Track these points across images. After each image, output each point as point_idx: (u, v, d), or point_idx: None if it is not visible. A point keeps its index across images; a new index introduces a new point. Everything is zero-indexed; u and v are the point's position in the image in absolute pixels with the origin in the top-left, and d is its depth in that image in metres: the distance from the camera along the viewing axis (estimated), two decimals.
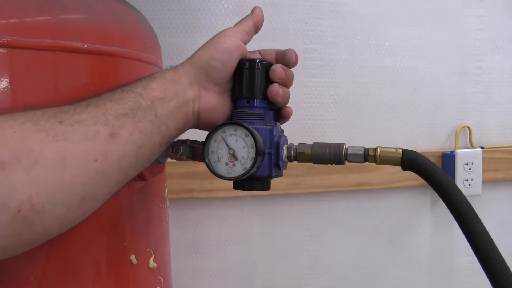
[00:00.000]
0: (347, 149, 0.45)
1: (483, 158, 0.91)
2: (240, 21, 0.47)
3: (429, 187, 0.42)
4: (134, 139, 0.35)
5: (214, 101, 0.44)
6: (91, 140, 0.32)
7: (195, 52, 0.44)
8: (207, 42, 0.44)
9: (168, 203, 0.56)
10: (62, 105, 0.34)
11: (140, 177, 0.44)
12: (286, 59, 0.47)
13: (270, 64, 0.46)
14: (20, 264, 0.35)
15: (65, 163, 0.30)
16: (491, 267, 0.39)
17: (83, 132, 0.32)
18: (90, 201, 0.32)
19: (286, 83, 0.47)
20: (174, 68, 0.42)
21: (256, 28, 0.48)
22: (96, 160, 0.32)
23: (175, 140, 0.46)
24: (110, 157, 0.33)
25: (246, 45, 0.47)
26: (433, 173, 0.42)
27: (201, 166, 0.43)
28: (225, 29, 0.45)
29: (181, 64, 0.43)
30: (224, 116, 0.46)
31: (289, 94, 0.49)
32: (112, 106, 0.35)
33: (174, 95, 0.40)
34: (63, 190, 0.30)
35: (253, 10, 0.48)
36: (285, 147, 0.45)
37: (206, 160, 0.42)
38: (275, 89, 0.45)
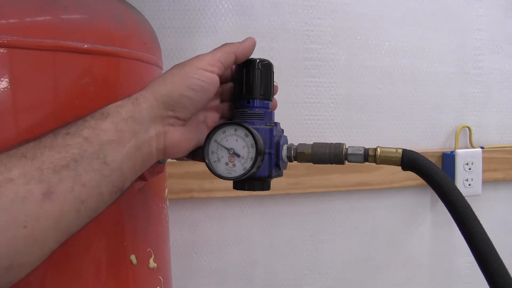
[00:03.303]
0: (347, 149, 0.45)
1: (483, 158, 0.91)
2: (221, 48, 0.41)
3: (429, 187, 0.42)
4: (76, 195, 0.31)
5: (181, 135, 0.40)
6: (20, 204, 0.28)
7: (163, 81, 0.38)
8: (178, 70, 0.39)
9: (168, 203, 0.56)
10: (61, 106, 0.33)
11: (140, 177, 0.44)
12: None
13: (270, 64, 0.46)
14: None
15: None
16: (489, 268, 0.39)
17: (10, 196, 0.28)
18: (18, 268, 0.29)
19: None
20: (134, 100, 0.36)
21: (236, 61, 0.43)
22: (26, 226, 0.28)
23: None
24: (44, 221, 0.29)
25: None
26: (433, 174, 0.42)
27: (201, 166, 0.43)
28: (199, 58, 0.39)
29: (143, 94, 0.37)
30: (192, 144, 0.42)
31: None
32: (51, 156, 0.30)
33: (131, 135, 0.35)
34: None
35: (245, 41, 0.43)
36: (285, 147, 0.45)
37: (206, 160, 0.42)
38: (275, 103, 0.47)
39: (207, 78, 0.39)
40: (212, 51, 0.41)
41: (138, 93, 0.38)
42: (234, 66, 0.46)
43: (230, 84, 0.47)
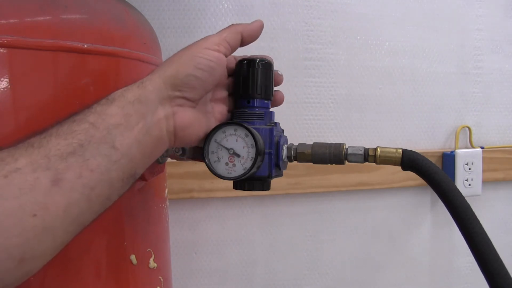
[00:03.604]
0: (347, 149, 0.45)
1: (483, 158, 0.91)
2: (227, 28, 0.41)
3: (429, 187, 0.42)
4: (85, 182, 0.30)
5: (190, 117, 0.39)
6: (28, 193, 0.27)
7: (169, 63, 0.38)
8: (184, 51, 0.38)
9: (168, 203, 0.56)
10: (61, 106, 0.33)
11: (140, 177, 0.44)
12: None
13: (270, 64, 0.46)
14: None
15: None
16: (489, 268, 0.39)
17: (18, 184, 0.27)
18: (31, 261, 0.28)
19: None
20: (140, 83, 0.36)
21: (243, 43, 0.42)
22: (35, 215, 0.27)
23: None
24: (53, 209, 0.28)
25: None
26: (432, 174, 0.42)
27: (201, 166, 0.43)
28: (206, 38, 0.39)
29: (149, 78, 0.37)
30: (203, 130, 0.41)
31: None
32: (58, 143, 0.30)
33: (139, 118, 0.34)
34: None
35: (253, 22, 0.42)
36: (285, 147, 0.45)
37: (206, 160, 0.42)
38: (282, 95, 0.47)
39: (213, 57, 0.38)
40: (219, 31, 0.41)
41: (145, 77, 0.37)
42: (235, 64, 0.45)
43: None
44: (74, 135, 0.31)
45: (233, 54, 0.46)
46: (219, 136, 0.42)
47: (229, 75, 0.45)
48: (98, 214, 0.33)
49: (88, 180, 0.30)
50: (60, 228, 0.29)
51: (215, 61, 0.38)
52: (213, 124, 0.42)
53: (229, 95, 0.46)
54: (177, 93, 0.37)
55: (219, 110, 0.44)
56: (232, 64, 0.45)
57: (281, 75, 0.47)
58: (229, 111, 0.46)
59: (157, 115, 0.36)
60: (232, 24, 0.42)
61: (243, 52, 0.46)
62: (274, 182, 0.46)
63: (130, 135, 0.33)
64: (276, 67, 0.47)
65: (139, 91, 0.35)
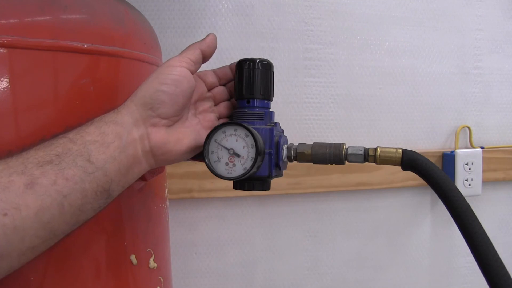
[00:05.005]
0: (347, 149, 0.45)
1: (483, 158, 0.91)
2: (186, 48, 0.44)
3: (429, 187, 0.43)
4: (58, 188, 0.31)
5: (165, 135, 0.40)
6: (1, 193, 0.29)
7: (138, 89, 0.40)
8: (150, 76, 0.41)
9: (168, 203, 0.56)
10: (61, 106, 0.33)
11: (140, 177, 0.44)
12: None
13: (270, 64, 0.46)
14: None
15: None
16: (488, 268, 0.39)
17: None
18: None
19: None
20: (116, 110, 0.39)
21: (205, 57, 0.44)
22: (6, 214, 0.28)
23: None
24: (24, 210, 0.29)
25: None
26: (432, 174, 0.42)
27: (201, 166, 0.43)
28: (168, 60, 0.42)
29: (124, 104, 0.39)
30: (184, 146, 0.42)
31: None
32: (36, 153, 0.32)
33: (115, 137, 0.36)
34: None
35: (206, 37, 0.45)
36: (285, 147, 0.45)
37: (206, 160, 0.42)
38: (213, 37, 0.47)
39: (176, 71, 0.40)
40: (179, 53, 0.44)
41: (121, 106, 0.40)
42: (234, 66, 0.47)
43: (221, 87, 0.48)
44: (52, 148, 0.33)
45: (213, 69, 0.49)
46: (219, 136, 0.42)
47: (209, 89, 0.48)
48: (70, 226, 0.34)
49: (62, 187, 0.32)
50: (30, 231, 0.30)
51: (179, 74, 0.40)
52: (204, 134, 0.43)
53: (215, 104, 0.48)
54: (149, 112, 0.39)
55: (208, 119, 0.46)
56: (211, 78, 0.48)
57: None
58: (220, 118, 0.48)
59: (132, 135, 0.38)
60: (190, 44, 0.44)
61: (244, 53, 0.46)
62: (274, 182, 0.46)
63: (106, 151, 0.35)
64: (276, 67, 0.47)
65: (115, 115, 0.38)
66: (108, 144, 0.36)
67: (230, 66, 0.48)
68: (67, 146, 0.33)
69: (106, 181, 0.35)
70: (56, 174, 0.31)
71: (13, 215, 0.29)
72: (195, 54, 0.43)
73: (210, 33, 0.46)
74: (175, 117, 0.41)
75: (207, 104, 0.47)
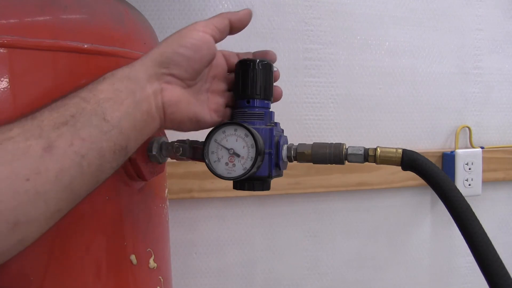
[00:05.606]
0: (347, 149, 0.45)
1: (483, 158, 0.91)
2: (215, 15, 0.43)
3: (429, 187, 0.42)
4: (76, 149, 0.31)
5: (179, 94, 0.40)
6: (21, 158, 0.29)
7: (158, 46, 0.40)
8: (173, 34, 0.40)
9: (168, 203, 0.56)
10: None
11: (140, 177, 0.44)
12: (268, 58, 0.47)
13: (270, 64, 0.46)
14: (20, 264, 0.35)
15: None
16: (488, 268, 0.39)
17: (11, 151, 0.29)
18: (26, 225, 0.29)
19: None
20: (130, 64, 0.38)
21: (232, 28, 0.43)
22: (28, 179, 0.29)
23: (176, 141, 0.47)
24: (45, 174, 0.30)
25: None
26: (432, 174, 0.42)
27: (201, 166, 0.43)
28: (195, 22, 0.41)
29: (139, 59, 0.39)
30: (191, 111, 0.42)
31: None
32: (50, 115, 0.31)
33: (128, 93, 0.36)
34: None
35: (241, 10, 0.44)
36: (285, 147, 0.45)
37: (206, 160, 0.42)
38: (280, 91, 0.48)
39: (198, 36, 0.40)
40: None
41: (137, 59, 0.39)
42: (258, 55, 0.46)
43: None
44: (66, 108, 0.32)
45: (237, 53, 0.47)
46: (219, 136, 0.42)
47: (230, 71, 0.47)
48: (91, 186, 0.34)
49: (79, 147, 0.32)
50: (52, 194, 0.30)
51: (200, 40, 0.40)
52: (206, 113, 0.43)
53: (228, 90, 0.47)
54: (164, 70, 0.39)
55: (215, 101, 0.45)
56: (234, 59, 0.46)
57: (277, 70, 0.48)
58: (226, 106, 0.47)
59: (146, 91, 0.37)
60: (221, 12, 0.44)
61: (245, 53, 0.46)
62: (274, 182, 0.46)
63: (120, 108, 0.35)
64: (276, 67, 0.47)
65: (128, 70, 0.37)
66: (122, 101, 0.35)
67: (254, 54, 0.48)
68: (80, 105, 0.33)
69: (123, 138, 0.35)
70: (72, 135, 0.31)
71: (34, 180, 0.29)
72: (223, 22, 0.42)
73: (246, 8, 0.45)
74: (190, 81, 0.41)
75: (222, 86, 0.46)
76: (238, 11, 0.44)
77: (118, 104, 0.35)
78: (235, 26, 0.44)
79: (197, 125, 0.43)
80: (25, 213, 0.29)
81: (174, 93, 0.40)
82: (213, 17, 0.43)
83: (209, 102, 0.45)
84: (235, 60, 0.47)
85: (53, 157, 0.30)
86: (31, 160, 0.29)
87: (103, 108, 0.34)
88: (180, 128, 0.43)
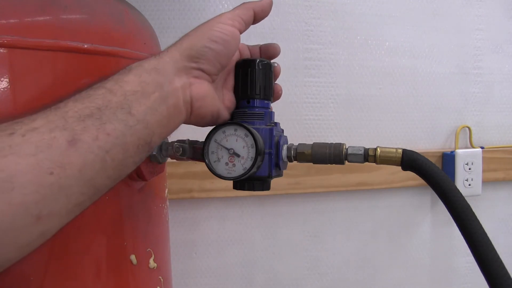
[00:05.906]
0: (347, 149, 0.45)
1: (483, 158, 0.91)
2: (239, 6, 0.42)
3: (429, 187, 0.42)
4: (100, 144, 0.30)
5: (206, 89, 0.40)
6: (45, 151, 0.28)
7: (186, 37, 0.39)
8: (199, 27, 0.40)
9: (168, 203, 0.56)
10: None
11: (140, 177, 0.44)
12: (270, 52, 0.47)
13: (270, 64, 0.46)
14: (20, 263, 0.34)
15: (12, 181, 0.26)
16: (489, 268, 0.39)
17: (35, 142, 0.28)
18: (48, 219, 0.29)
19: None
20: (158, 55, 0.37)
21: (255, 20, 0.43)
22: (52, 173, 0.28)
23: (176, 141, 0.47)
24: (69, 168, 0.29)
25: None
26: (432, 174, 0.42)
27: (201, 166, 0.43)
28: (220, 14, 0.41)
29: (167, 50, 0.38)
30: (217, 106, 0.42)
31: None
32: (75, 106, 0.31)
33: (156, 87, 0.35)
34: (12, 213, 0.26)
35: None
36: (285, 147, 0.45)
37: (206, 160, 0.42)
38: (280, 89, 0.47)
39: (227, 30, 0.39)
40: (231, 9, 0.42)
41: (163, 51, 0.38)
42: (235, 65, 0.46)
43: None
44: (91, 99, 0.31)
45: (247, 45, 0.47)
46: (219, 136, 0.42)
47: None
48: (112, 181, 0.33)
49: (104, 142, 0.31)
50: (75, 188, 0.30)
51: (229, 35, 0.40)
52: (223, 110, 0.43)
53: None
54: (193, 64, 0.38)
55: (229, 98, 0.45)
56: (247, 52, 0.47)
57: (278, 65, 0.48)
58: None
59: (174, 84, 0.37)
60: (243, 3, 0.43)
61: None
62: (274, 182, 0.46)
63: (147, 102, 0.34)
64: (276, 62, 0.47)
65: (156, 61, 0.36)
66: (149, 95, 0.34)
67: (260, 46, 0.48)
68: (106, 97, 0.32)
69: (148, 133, 0.34)
70: (97, 129, 0.30)
71: (58, 174, 0.28)
72: (248, 14, 0.42)
73: None
74: (214, 76, 0.41)
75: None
76: (261, 0, 0.44)
77: (144, 97, 0.34)
78: (258, 16, 0.43)
79: (215, 122, 0.43)
80: (48, 206, 0.28)
81: (202, 87, 0.39)
82: (238, 7, 0.42)
83: (224, 99, 0.45)
84: (247, 54, 0.47)
85: (78, 151, 0.29)
86: (55, 153, 0.28)
87: (129, 101, 0.33)
88: (198, 123, 0.42)
